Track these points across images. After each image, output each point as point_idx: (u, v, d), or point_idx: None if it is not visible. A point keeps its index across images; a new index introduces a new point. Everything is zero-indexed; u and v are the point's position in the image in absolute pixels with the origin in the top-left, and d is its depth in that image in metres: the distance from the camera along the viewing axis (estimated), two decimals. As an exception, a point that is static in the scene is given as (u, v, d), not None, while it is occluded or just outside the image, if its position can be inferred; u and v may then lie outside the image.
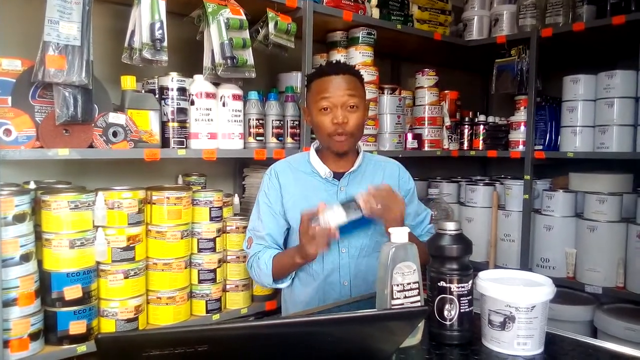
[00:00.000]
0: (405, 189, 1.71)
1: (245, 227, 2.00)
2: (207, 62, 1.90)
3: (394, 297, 1.07)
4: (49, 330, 1.60)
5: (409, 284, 1.08)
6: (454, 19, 2.99)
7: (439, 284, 1.09)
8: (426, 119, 2.87)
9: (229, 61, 1.85)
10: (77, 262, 1.61)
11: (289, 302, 1.70)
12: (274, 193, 1.64)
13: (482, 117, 3.12)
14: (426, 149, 2.86)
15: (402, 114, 2.68)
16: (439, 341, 1.10)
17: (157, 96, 1.88)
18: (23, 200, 1.51)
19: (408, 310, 0.96)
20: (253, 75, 1.94)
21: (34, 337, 1.54)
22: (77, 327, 1.61)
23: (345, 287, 1.61)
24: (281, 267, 1.57)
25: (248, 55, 1.93)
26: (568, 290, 2.68)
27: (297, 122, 2.20)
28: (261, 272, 1.58)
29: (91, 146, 1.66)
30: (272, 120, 2.14)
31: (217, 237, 1.96)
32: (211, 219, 1.94)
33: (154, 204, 1.80)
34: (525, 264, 2.77)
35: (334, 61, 1.68)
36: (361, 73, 1.65)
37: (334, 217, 1.36)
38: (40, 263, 1.60)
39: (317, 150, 1.68)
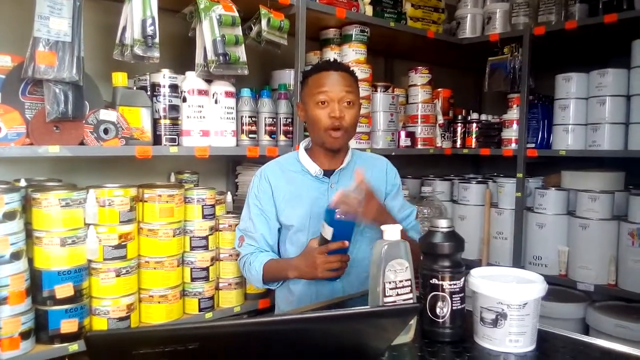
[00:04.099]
0: (392, 183, 1.74)
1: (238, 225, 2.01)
2: (199, 58, 1.89)
3: (386, 294, 1.07)
4: (40, 329, 1.58)
5: (401, 281, 1.08)
6: (447, 17, 3.00)
7: (431, 281, 1.09)
8: (419, 116, 2.87)
9: (221, 58, 1.84)
10: (68, 260, 1.60)
11: (282, 297, 1.72)
12: (265, 195, 1.65)
13: (475, 115, 3.12)
14: (419, 147, 2.87)
15: (395, 111, 2.68)
16: (431, 338, 1.10)
17: (148, 93, 1.86)
18: (13, 198, 1.49)
19: (400, 308, 0.96)
20: (246, 72, 1.94)
21: (24, 336, 1.52)
22: (68, 325, 1.60)
23: (337, 282, 1.61)
24: (272, 275, 1.62)
25: (240, 52, 1.92)
26: (560, 288, 2.70)
27: (290, 120, 2.19)
28: (252, 276, 1.64)
29: (82, 143, 1.65)
30: (265, 118, 2.13)
31: (209, 235, 1.95)
32: (204, 216, 1.93)
33: (146, 201, 1.79)
34: (518, 261, 2.78)
35: (331, 59, 1.70)
36: (354, 71, 1.67)
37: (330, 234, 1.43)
38: (31, 261, 1.58)
39: (307, 149, 1.69)
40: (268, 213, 1.65)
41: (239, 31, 1.92)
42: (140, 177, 2.11)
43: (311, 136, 1.68)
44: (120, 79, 1.77)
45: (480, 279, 1.09)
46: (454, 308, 1.08)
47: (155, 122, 1.86)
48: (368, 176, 1.68)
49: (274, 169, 1.68)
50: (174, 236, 1.83)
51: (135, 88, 1.88)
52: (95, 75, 1.76)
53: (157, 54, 1.71)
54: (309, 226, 1.60)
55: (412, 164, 3.28)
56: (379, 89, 2.65)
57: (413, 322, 1.09)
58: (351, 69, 1.65)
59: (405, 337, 1.09)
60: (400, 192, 1.77)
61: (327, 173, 1.64)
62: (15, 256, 1.50)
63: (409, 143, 2.79)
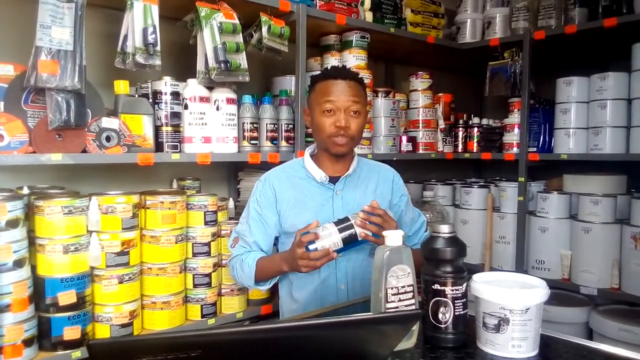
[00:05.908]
0: (400, 194, 1.73)
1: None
2: (200, 66, 1.90)
3: (389, 300, 1.07)
4: (43, 336, 1.58)
5: (403, 287, 1.08)
6: (447, 22, 3.01)
7: (433, 286, 1.09)
8: (420, 121, 2.88)
9: (222, 65, 1.85)
10: (71, 267, 1.60)
11: (286, 305, 1.70)
12: (267, 201, 1.63)
13: (476, 120, 3.12)
14: (421, 151, 2.87)
15: (396, 116, 2.68)
16: (433, 344, 1.10)
17: (150, 100, 1.87)
18: (16, 206, 1.50)
19: (402, 314, 0.96)
20: (247, 79, 1.94)
21: (27, 343, 1.53)
22: (71, 332, 1.60)
23: (342, 290, 1.61)
24: (264, 272, 1.58)
25: (242, 59, 1.93)
26: (563, 292, 2.69)
27: (291, 126, 2.20)
28: (244, 274, 1.60)
29: (84, 151, 1.66)
30: (267, 124, 2.14)
31: (211, 241, 1.95)
32: (206, 223, 1.93)
33: (148, 208, 1.80)
34: (521, 265, 2.78)
35: (340, 66, 1.70)
36: (363, 79, 1.66)
37: (330, 242, 1.40)
38: (34, 269, 1.59)
39: (312, 155, 1.68)
40: (267, 219, 1.63)
41: (239, 38, 1.93)
42: (142, 184, 2.12)
43: (316, 141, 1.67)
44: (122, 86, 1.77)
45: (483, 284, 1.09)
46: (456, 313, 1.08)
47: (157, 129, 1.87)
48: (374, 183, 1.68)
49: (279, 175, 1.67)
50: (176, 243, 1.84)
51: (137, 96, 1.89)
52: (97, 83, 1.77)
53: (158, 61, 1.72)
54: None
55: (414, 169, 3.28)
56: (379, 95, 2.65)
57: (415, 327, 1.09)
58: (359, 76, 1.64)
59: (408, 342, 1.08)
60: (410, 204, 1.76)
61: (333, 179, 1.63)
62: (18, 264, 1.50)
63: (410, 148, 2.79)
